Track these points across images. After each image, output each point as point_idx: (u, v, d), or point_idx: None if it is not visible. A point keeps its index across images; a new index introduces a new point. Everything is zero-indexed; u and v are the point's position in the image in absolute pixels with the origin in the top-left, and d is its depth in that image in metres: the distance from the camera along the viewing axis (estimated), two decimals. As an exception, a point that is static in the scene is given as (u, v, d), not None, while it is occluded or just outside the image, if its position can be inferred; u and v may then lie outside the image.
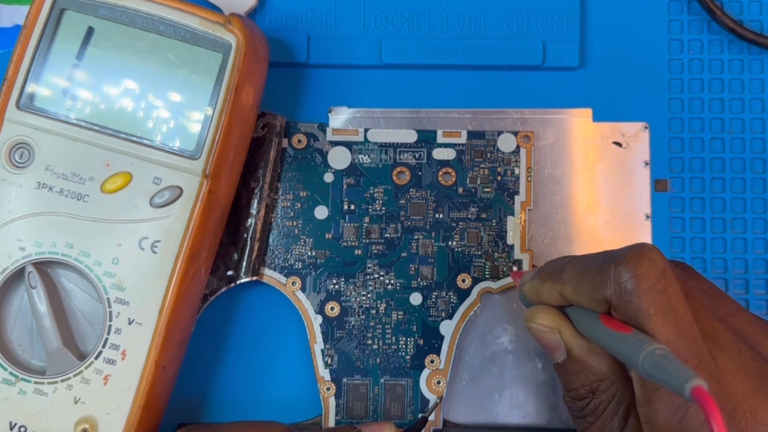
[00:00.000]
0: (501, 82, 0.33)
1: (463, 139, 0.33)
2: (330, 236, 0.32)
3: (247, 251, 0.31)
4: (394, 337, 0.32)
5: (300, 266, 0.32)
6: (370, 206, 0.32)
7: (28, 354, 0.28)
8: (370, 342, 0.32)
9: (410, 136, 0.33)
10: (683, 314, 0.23)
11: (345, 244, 0.32)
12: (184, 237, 0.28)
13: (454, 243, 0.32)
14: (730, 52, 0.33)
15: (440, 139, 0.33)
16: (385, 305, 0.32)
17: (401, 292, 0.32)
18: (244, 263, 0.31)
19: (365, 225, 0.32)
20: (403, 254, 0.32)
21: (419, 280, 0.32)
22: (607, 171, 0.33)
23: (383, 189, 0.32)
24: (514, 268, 0.32)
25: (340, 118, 0.33)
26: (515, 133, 0.33)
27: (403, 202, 0.32)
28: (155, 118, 0.28)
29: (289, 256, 0.32)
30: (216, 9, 0.32)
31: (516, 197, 0.32)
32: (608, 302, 0.23)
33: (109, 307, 0.28)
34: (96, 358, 0.27)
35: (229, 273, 0.31)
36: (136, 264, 0.28)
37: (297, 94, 0.33)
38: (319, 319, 0.32)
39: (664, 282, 0.23)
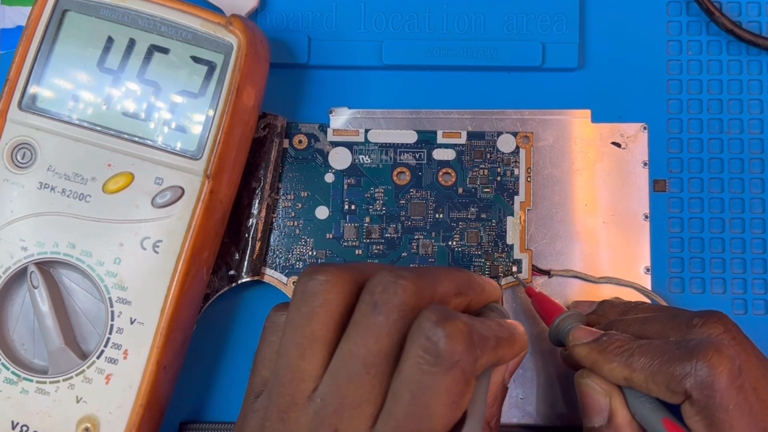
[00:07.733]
0: (501, 83, 0.33)
1: (463, 139, 0.33)
2: (331, 236, 0.32)
3: (248, 251, 0.32)
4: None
5: (301, 266, 0.32)
6: (371, 206, 0.33)
7: (30, 353, 0.29)
8: (370, 341, 0.32)
9: (410, 137, 0.33)
10: (756, 408, 0.24)
11: (346, 244, 0.32)
12: (185, 237, 0.28)
13: (454, 243, 0.32)
14: (728, 53, 0.34)
15: (440, 139, 0.33)
16: (385, 305, 0.32)
17: (401, 292, 0.32)
18: (246, 263, 0.31)
19: (366, 225, 0.32)
20: (404, 254, 0.32)
21: (419, 279, 0.32)
22: (606, 171, 0.33)
23: (383, 189, 0.33)
24: (532, 285, 0.32)
25: (340, 118, 0.33)
26: (515, 134, 0.33)
27: (403, 202, 0.33)
28: (157, 118, 0.29)
29: (290, 256, 0.32)
30: (217, 10, 0.32)
31: (515, 197, 0.32)
32: (686, 394, 0.24)
33: (111, 306, 0.28)
34: (98, 358, 0.27)
35: (231, 273, 0.31)
36: (137, 264, 0.28)
37: (298, 94, 0.33)
38: (320, 318, 0.32)
39: (741, 379, 0.24)
